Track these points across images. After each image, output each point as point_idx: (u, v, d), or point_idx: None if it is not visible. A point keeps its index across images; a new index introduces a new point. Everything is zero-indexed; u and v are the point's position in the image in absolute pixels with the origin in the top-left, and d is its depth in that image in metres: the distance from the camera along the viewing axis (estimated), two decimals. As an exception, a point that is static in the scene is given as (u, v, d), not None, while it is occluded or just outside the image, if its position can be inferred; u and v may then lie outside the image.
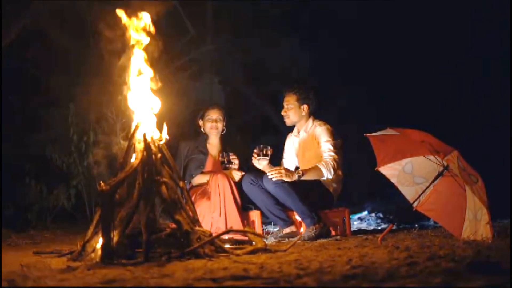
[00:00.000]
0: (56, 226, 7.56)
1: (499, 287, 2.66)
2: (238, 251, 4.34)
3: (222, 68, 10.69)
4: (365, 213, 8.11)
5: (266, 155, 5.93)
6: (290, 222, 5.87)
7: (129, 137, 4.60)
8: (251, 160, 5.97)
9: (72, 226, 7.53)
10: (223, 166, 6.08)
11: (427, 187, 5.13)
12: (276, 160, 6.27)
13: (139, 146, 4.47)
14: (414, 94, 9.89)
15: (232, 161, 6.08)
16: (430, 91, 9.89)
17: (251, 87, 11.22)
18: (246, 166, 6.22)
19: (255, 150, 5.96)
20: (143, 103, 4.73)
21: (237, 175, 5.98)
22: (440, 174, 5.08)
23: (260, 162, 5.95)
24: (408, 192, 5.33)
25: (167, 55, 9.05)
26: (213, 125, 6.25)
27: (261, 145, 5.96)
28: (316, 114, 6.19)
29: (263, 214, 6.04)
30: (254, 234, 4.79)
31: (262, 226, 6.20)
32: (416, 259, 3.53)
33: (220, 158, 6.09)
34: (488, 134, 8.83)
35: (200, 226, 4.60)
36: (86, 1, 8.50)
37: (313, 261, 3.77)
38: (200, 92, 9.77)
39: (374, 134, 5.25)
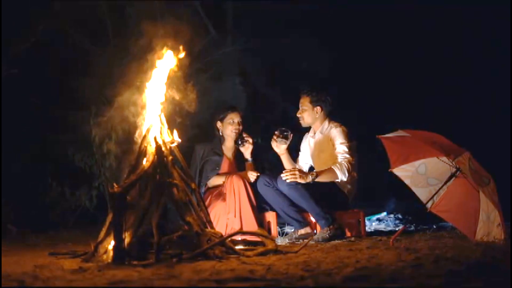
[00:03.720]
0: (78, 227, 7.64)
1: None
2: (249, 253, 4.37)
3: (243, 69, 10.70)
4: (384, 214, 8.08)
5: (285, 138, 6.01)
6: (305, 223, 5.87)
7: (141, 140, 4.66)
8: (271, 142, 6.09)
9: (93, 227, 7.61)
10: (236, 144, 6.22)
11: (440, 188, 5.13)
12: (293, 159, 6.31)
13: (151, 148, 4.53)
14: (425, 95, 9.87)
15: (246, 139, 6.17)
16: (442, 92, 9.85)
17: (273, 87, 11.22)
18: (262, 167, 6.28)
19: (276, 132, 6.05)
20: (155, 105, 4.79)
21: (252, 176, 6.01)
22: (453, 175, 5.08)
23: (279, 145, 6.05)
24: (422, 193, 5.33)
25: (187, 56, 9.13)
26: (234, 128, 6.29)
27: (283, 128, 6.04)
28: (332, 115, 6.19)
29: (278, 215, 6.06)
30: (263, 236, 4.81)
31: (278, 227, 6.22)
32: (423, 261, 3.54)
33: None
34: (501, 135, 8.76)
35: (212, 227, 4.65)
36: (108, 3, 8.63)
37: (321, 262, 3.80)
38: (222, 93, 9.78)
39: (386, 135, 5.25)
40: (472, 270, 3.06)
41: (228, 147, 6.37)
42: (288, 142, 6.05)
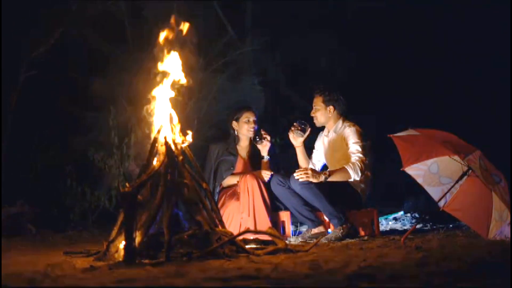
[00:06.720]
0: (97, 226, 7.72)
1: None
2: (259, 251, 4.41)
3: (261, 69, 10.72)
4: (401, 213, 8.04)
5: (303, 131, 6.10)
6: (318, 222, 5.87)
7: (152, 140, 4.71)
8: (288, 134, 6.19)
9: (112, 227, 7.67)
10: (254, 141, 6.26)
11: (452, 187, 5.11)
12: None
13: (162, 148, 4.59)
14: (438, 93, 9.85)
15: (264, 136, 6.20)
16: (454, 90, 9.83)
17: (292, 87, 11.23)
18: (277, 166, 6.31)
19: (294, 124, 6.14)
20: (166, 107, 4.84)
21: (266, 175, 6.04)
22: (465, 174, 5.06)
23: (296, 137, 6.15)
24: (435, 192, 5.30)
25: (206, 57, 9.18)
26: (250, 127, 6.31)
27: (302, 121, 6.13)
28: (346, 115, 6.19)
29: (292, 214, 6.07)
30: (272, 235, 4.83)
31: (292, 226, 6.24)
32: (429, 260, 3.55)
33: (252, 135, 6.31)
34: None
35: (223, 227, 4.69)
36: (125, 4, 8.73)
37: (329, 261, 3.81)
38: (240, 93, 9.82)
39: (397, 134, 5.25)
40: (475, 269, 3.07)
41: (242, 146, 6.39)
42: (305, 135, 6.14)
